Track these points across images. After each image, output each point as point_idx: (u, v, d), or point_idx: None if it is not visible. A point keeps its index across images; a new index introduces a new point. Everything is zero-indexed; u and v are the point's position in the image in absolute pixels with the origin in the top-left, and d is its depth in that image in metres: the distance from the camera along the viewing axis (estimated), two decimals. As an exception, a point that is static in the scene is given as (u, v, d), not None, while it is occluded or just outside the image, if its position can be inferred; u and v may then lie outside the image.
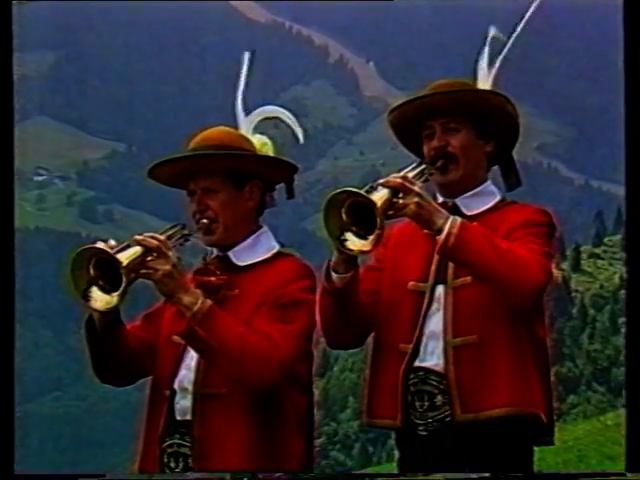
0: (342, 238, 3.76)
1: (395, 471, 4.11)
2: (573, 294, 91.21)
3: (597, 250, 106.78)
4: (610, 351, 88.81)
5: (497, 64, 4.20)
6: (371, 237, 3.72)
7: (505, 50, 4.22)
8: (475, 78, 4.21)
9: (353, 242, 3.76)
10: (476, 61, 4.23)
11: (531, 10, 4.25)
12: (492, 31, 4.25)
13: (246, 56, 4.30)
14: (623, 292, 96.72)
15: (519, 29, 4.23)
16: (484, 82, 4.19)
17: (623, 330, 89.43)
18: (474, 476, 3.91)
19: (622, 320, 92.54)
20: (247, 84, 4.25)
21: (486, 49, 4.23)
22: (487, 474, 3.95)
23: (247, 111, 4.23)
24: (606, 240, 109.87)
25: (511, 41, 4.23)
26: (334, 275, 3.87)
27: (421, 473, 4.05)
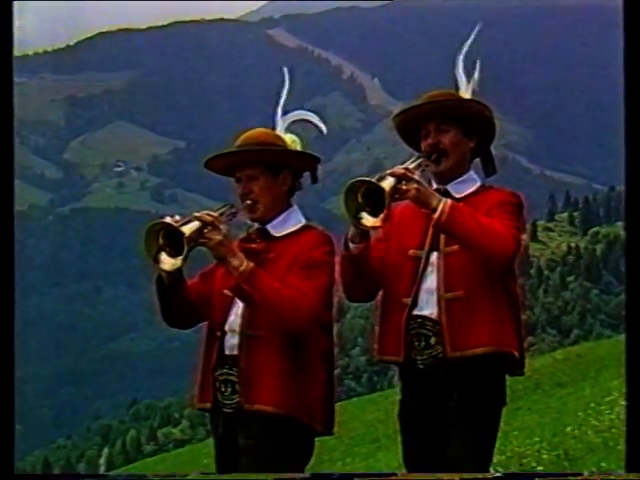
0: (358, 216, 3.75)
1: (398, 395, 4.09)
2: (531, 259, 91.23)
3: (549, 224, 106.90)
4: (560, 303, 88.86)
5: (472, 84, 4.17)
6: (381, 215, 3.71)
7: (475, 75, 4.19)
8: (457, 89, 4.18)
9: (367, 219, 3.75)
10: (455, 80, 4.21)
11: (477, 72, 4.24)
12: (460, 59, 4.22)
13: (285, 72, 4.27)
14: (570, 257, 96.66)
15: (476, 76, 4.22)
16: (465, 93, 4.16)
17: (570, 287, 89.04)
18: (480, 476, 3.87)
19: (569, 279, 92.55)
20: (288, 95, 4.23)
21: (462, 72, 4.19)
22: (494, 474, 3.93)
23: (283, 115, 4.19)
24: (556, 217, 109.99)
25: (477, 74, 4.20)
26: (351, 245, 3.87)
27: (421, 473, 4.02)
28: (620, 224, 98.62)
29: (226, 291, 3.88)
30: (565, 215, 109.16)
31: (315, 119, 4.23)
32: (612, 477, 4.40)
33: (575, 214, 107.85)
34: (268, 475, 3.80)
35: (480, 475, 3.85)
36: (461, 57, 4.19)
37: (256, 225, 4.00)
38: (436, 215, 3.81)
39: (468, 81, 4.17)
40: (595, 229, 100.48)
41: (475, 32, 4.25)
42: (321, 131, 4.23)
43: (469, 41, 4.22)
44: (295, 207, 4.02)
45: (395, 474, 4.12)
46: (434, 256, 3.98)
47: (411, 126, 4.10)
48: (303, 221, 4.00)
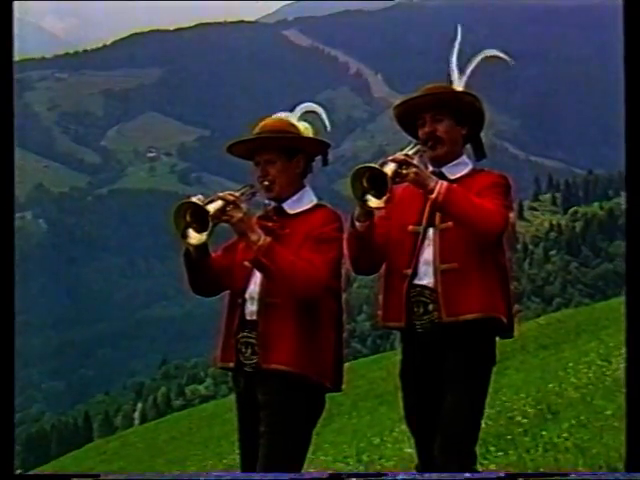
0: (364, 199, 3.74)
1: (399, 356, 4.09)
2: (517, 235, 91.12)
3: (534, 204, 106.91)
4: (543, 274, 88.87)
5: (464, 77, 4.16)
6: (384, 197, 3.70)
7: (468, 71, 4.18)
8: (451, 82, 4.16)
9: (372, 201, 3.74)
10: (448, 74, 4.18)
11: (475, 62, 4.21)
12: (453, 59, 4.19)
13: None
14: (552, 233, 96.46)
15: (469, 70, 4.20)
16: (458, 86, 4.14)
17: (552, 260, 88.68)
18: (477, 476, 3.85)
19: (552, 253, 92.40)
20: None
21: (455, 67, 4.18)
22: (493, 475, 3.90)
23: (292, 110, 4.16)
24: (540, 197, 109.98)
25: (470, 68, 4.19)
26: (357, 223, 3.87)
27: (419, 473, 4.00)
28: (596, 204, 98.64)
29: (246, 263, 3.87)
30: (548, 196, 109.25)
31: (322, 114, 4.21)
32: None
33: (557, 195, 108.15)
34: (281, 475, 3.79)
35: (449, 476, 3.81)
36: (454, 56, 4.18)
37: (273, 204, 3.98)
38: (433, 196, 3.81)
39: (460, 75, 4.15)
40: (574, 208, 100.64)
41: (460, 33, 4.25)
42: (325, 127, 4.21)
43: (457, 41, 4.21)
44: (308, 188, 4.00)
45: (386, 474, 4.13)
46: (430, 231, 3.98)
47: (409, 116, 4.09)
48: (315, 200, 3.98)
